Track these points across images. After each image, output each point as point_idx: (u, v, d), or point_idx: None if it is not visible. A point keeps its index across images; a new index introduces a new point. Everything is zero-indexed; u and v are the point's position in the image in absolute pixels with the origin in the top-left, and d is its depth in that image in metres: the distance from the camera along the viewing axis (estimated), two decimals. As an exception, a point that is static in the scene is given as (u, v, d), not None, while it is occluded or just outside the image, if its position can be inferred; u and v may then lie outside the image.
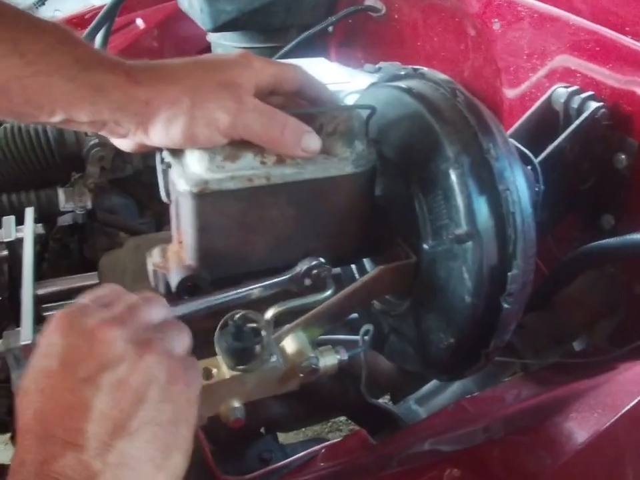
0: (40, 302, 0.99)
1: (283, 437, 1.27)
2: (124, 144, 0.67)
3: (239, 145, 0.64)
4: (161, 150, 0.69)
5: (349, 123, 0.68)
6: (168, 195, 0.69)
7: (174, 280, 0.66)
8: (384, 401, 1.13)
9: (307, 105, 0.71)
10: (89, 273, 1.02)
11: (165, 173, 0.69)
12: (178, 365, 0.52)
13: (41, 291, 0.99)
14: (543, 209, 0.85)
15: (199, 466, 0.83)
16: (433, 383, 0.91)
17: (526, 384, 0.83)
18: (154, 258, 0.71)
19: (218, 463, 0.93)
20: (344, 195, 0.68)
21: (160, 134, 0.62)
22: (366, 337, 0.73)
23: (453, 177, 0.65)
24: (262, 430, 1.09)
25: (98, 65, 0.62)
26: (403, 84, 0.74)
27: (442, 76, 0.72)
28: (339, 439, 0.87)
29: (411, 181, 0.70)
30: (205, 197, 0.63)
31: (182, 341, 0.55)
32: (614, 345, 0.90)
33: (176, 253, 0.69)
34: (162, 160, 0.69)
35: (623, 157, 0.85)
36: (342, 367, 0.79)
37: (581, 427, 0.55)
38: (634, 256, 0.80)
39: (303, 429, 1.75)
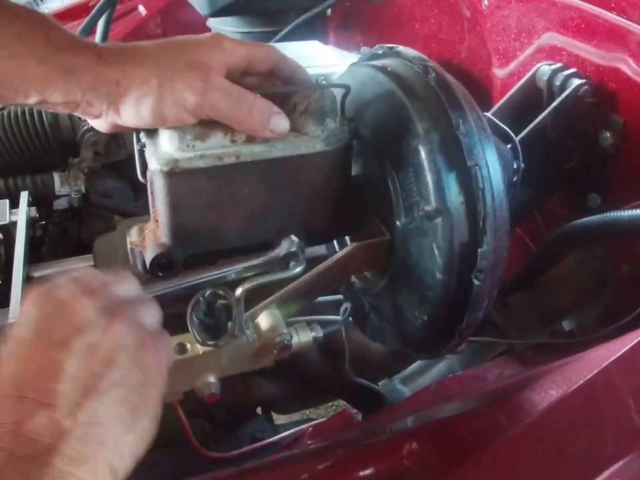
0: (36, 284, 1.02)
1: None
2: (99, 124, 0.69)
3: (209, 124, 0.65)
4: (138, 131, 0.70)
5: (320, 102, 0.68)
6: (144, 174, 0.70)
7: (148, 257, 0.67)
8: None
9: (281, 85, 0.71)
10: (85, 255, 1.04)
11: (141, 152, 0.70)
12: (147, 334, 0.54)
13: (37, 273, 1.02)
14: (527, 187, 0.84)
15: (184, 443, 0.85)
16: (418, 363, 0.92)
17: (509, 363, 0.83)
18: (132, 236, 0.72)
19: (212, 441, 0.96)
20: (316, 172, 0.69)
21: (131, 114, 0.63)
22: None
23: (423, 153, 0.65)
24: (259, 411, 1.11)
25: (70, 48, 0.63)
26: (378, 63, 0.75)
27: (415, 53, 0.72)
28: (325, 418, 0.89)
29: (384, 159, 0.71)
30: (175, 176, 0.64)
31: (152, 314, 0.58)
32: (603, 325, 0.90)
33: (152, 231, 0.70)
34: (138, 140, 0.70)
35: (608, 134, 0.84)
36: (326, 344, 0.80)
37: (541, 401, 0.55)
38: (615, 233, 0.79)
39: (308, 412, 1.77)
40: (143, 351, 0.52)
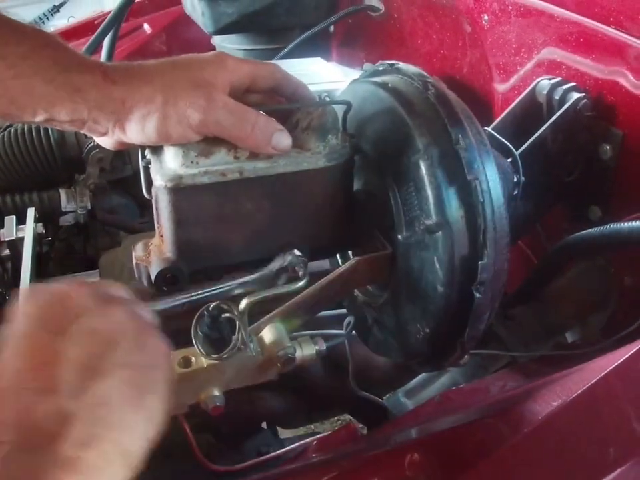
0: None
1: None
2: (105, 142, 0.70)
3: (213, 141, 0.66)
4: (143, 148, 0.72)
5: (322, 118, 0.69)
6: (149, 190, 0.71)
7: (153, 272, 0.68)
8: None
9: (284, 102, 0.72)
10: (90, 271, 1.05)
11: (146, 169, 0.71)
12: (147, 322, 0.53)
13: (43, 289, 1.03)
14: (528, 200, 0.85)
15: (189, 457, 0.85)
16: (422, 376, 0.92)
17: (512, 376, 0.83)
18: (137, 252, 0.73)
19: (216, 455, 0.96)
20: (318, 187, 0.70)
21: (136, 131, 0.65)
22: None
23: (423, 168, 0.66)
24: (264, 425, 1.11)
25: (76, 67, 0.64)
26: (379, 79, 0.76)
27: (415, 69, 0.73)
28: (329, 432, 0.89)
29: (385, 174, 0.71)
30: (179, 191, 0.65)
31: (147, 311, 0.55)
32: (607, 336, 0.90)
33: (157, 246, 0.71)
34: (143, 157, 0.71)
35: (608, 147, 0.85)
36: (330, 359, 0.80)
37: (542, 410, 0.55)
38: (616, 245, 0.80)
39: (313, 427, 1.77)
40: (143, 334, 0.51)
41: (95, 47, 1.35)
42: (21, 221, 0.98)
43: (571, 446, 0.51)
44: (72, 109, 0.64)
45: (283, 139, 0.66)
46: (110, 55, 1.38)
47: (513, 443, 0.53)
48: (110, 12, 1.40)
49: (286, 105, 0.71)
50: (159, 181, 0.65)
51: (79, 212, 1.07)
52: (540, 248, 0.97)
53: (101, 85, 0.64)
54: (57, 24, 2.67)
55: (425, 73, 0.72)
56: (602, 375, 0.55)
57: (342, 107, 0.74)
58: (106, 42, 1.38)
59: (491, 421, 0.60)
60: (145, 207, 1.15)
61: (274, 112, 0.69)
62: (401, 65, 0.75)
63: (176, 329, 0.80)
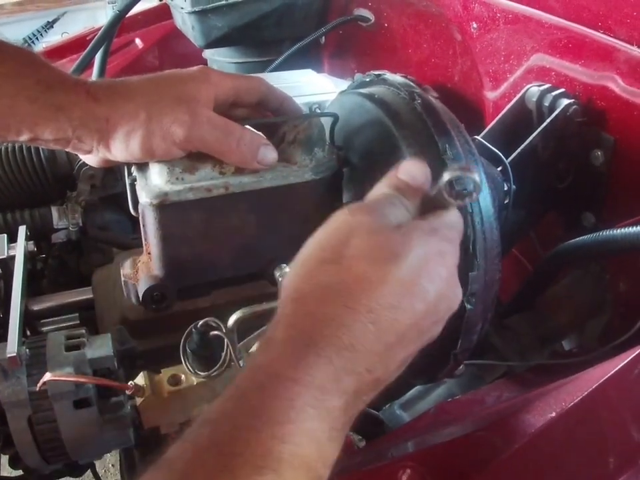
0: (36, 317, 1.02)
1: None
2: (90, 159, 0.70)
3: (198, 157, 0.65)
4: (129, 165, 0.71)
5: (308, 131, 0.69)
6: (136, 207, 0.71)
7: (141, 289, 0.68)
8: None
9: (271, 115, 0.72)
10: (84, 288, 1.04)
11: (132, 186, 0.70)
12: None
13: (36, 307, 1.02)
14: (520, 208, 0.85)
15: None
16: (417, 388, 0.91)
17: (508, 386, 0.83)
18: (125, 269, 0.72)
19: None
20: (305, 201, 0.69)
21: (120, 148, 0.64)
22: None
23: (410, 179, 0.65)
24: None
25: (59, 86, 0.64)
26: (366, 90, 0.75)
27: (401, 80, 0.72)
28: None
29: (374, 186, 0.71)
30: (165, 208, 0.65)
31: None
32: (603, 343, 0.89)
33: (145, 263, 0.70)
34: (129, 174, 0.71)
35: (599, 153, 0.84)
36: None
37: (536, 422, 0.55)
38: (608, 251, 0.79)
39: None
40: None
41: (87, 63, 1.35)
42: (13, 239, 0.98)
43: (568, 456, 0.51)
44: (56, 128, 0.64)
45: (269, 154, 0.66)
46: (102, 71, 1.38)
47: (507, 456, 0.52)
48: (101, 27, 1.40)
49: (272, 118, 0.71)
50: (144, 198, 0.65)
51: (70, 229, 1.06)
52: (535, 256, 0.96)
53: (84, 103, 0.63)
54: (51, 40, 2.67)
55: (411, 83, 0.72)
56: (598, 383, 0.54)
57: (329, 119, 0.74)
58: (97, 58, 1.38)
59: (485, 433, 0.59)
60: (137, 223, 1.15)
61: (260, 126, 0.69)
62: (388, 75, 0.75)
63: (163, 346, 0.80)
